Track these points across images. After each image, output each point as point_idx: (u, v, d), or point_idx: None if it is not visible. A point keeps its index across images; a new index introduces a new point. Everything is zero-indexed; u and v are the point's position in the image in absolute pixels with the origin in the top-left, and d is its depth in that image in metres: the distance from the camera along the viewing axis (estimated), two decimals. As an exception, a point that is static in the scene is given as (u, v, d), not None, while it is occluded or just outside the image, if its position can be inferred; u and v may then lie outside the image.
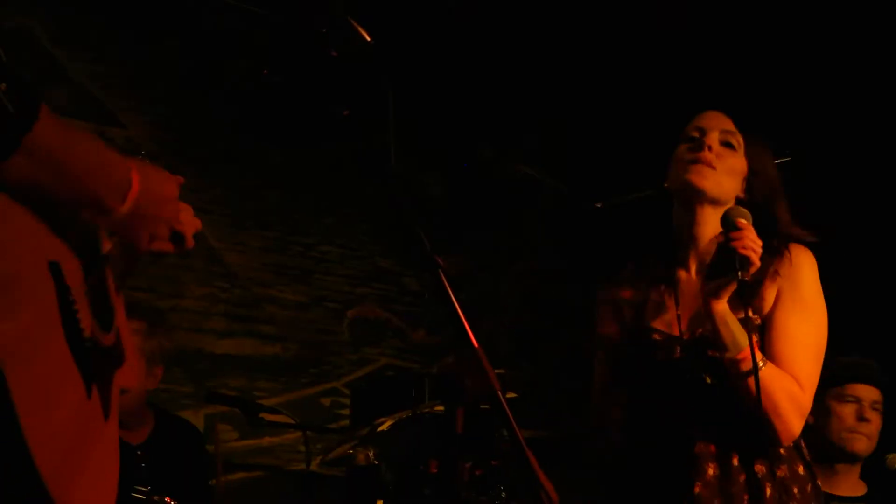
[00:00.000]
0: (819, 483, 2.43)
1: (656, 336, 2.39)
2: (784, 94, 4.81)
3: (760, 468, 2.32)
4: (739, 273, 2.20)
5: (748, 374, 2.23)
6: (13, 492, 1.32)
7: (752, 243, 2.23)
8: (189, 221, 1.95)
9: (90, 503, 1.51)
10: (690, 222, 2.45)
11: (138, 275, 1.92)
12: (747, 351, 2.23)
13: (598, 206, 3.27)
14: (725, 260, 2.23)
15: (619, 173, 3.49)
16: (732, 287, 2.25)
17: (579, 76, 5.37)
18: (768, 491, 2.31)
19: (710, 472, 2.31)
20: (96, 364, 1.57)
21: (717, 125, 2.47)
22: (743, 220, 2.26)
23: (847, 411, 3.63)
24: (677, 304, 2.42)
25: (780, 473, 2.33)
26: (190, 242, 1.96)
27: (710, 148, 2.42)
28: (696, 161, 2.41)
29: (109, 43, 4.84)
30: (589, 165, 5.36)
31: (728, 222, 2.27)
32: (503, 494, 3.21)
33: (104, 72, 4.82)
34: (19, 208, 1.39)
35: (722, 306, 2.27)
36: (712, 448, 2.32)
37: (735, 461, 2.32)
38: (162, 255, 1.93)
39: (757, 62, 4.94)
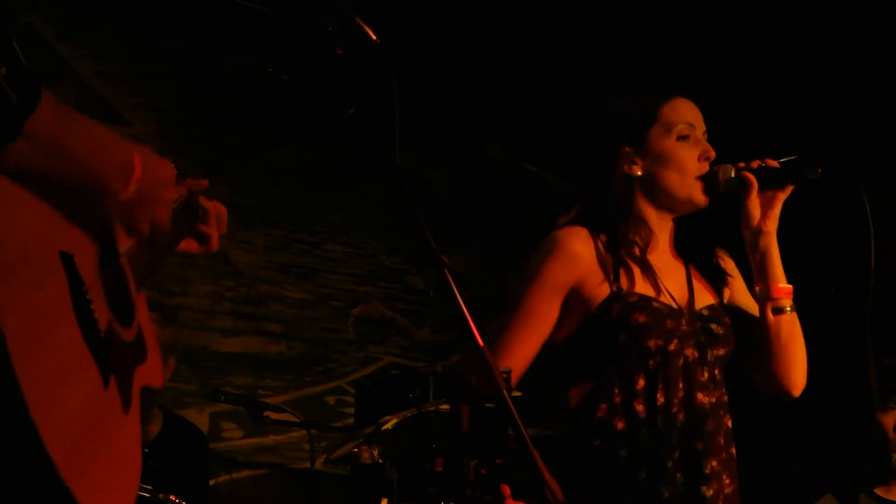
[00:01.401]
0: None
1: (657, 305, 2.32)
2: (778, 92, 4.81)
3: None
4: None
5: (783, 311, 2.37)
6: (26, 477, 1.32)
7: None
8: (217, 225, 1.94)
9: (108, 493, 1.49)
10: (663, 216, 2.46)
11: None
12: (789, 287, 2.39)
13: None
14: (778, 171, 2.38)
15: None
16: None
17: (583, 74, 5.36)
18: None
19: (723, 451, 2.33)
20: (115, 357, 1.57)
21: (702, 125, 2.45)
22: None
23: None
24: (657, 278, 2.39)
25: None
26: (215, 245, 1.95)
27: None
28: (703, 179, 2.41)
29: (115, 40, 4.84)
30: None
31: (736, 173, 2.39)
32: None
33: (109, 69, 4.83)
34: (29, 197, 1.38)
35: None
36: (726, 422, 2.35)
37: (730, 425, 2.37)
38: (189, 255, 1.93)
39: (757, 61, 4.94)
